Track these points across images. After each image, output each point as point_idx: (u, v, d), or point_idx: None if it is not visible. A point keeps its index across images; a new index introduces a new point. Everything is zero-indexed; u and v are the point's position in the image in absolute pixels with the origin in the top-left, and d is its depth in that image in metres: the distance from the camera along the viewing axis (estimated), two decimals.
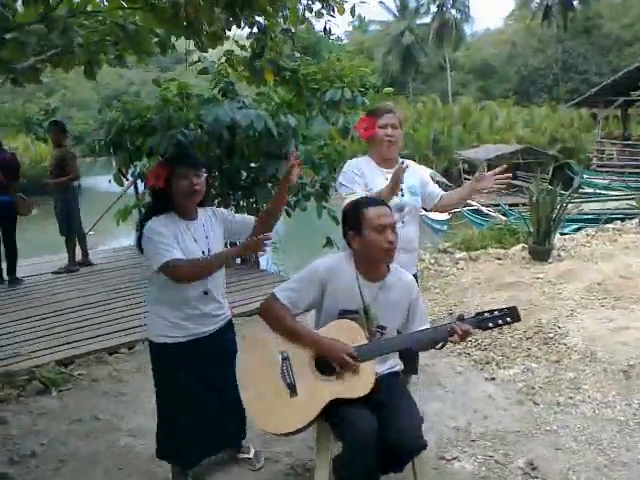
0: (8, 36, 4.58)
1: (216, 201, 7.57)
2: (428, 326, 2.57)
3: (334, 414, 2.33)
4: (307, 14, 4.98)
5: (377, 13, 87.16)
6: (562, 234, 8.60)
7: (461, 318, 2.44)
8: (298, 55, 8.50)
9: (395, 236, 2.42)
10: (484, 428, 3.29)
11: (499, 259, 6.45)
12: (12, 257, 6.55)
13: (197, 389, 2.63)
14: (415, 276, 3.25)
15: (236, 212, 7.49)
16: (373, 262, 2.46)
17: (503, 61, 45.26)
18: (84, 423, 3.58)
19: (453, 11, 45.34)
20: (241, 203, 7.40)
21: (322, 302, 2.49)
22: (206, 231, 2.63)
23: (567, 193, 7.68)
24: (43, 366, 4.29)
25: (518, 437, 3.20)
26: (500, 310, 2.49)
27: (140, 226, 2.60)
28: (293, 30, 5.59)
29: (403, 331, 2.60)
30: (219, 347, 2.65)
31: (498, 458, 2.99)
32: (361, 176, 3.10)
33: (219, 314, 2.70)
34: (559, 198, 6.71)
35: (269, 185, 7.01)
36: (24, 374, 4.15)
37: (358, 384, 2.34)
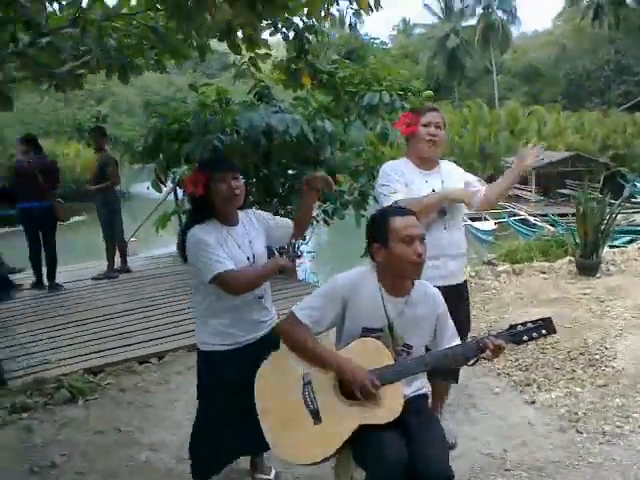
0: (44, 40, 4.62)
1: (253, 208, 7.51)
2: (458, 342, 2.40)
3: (357, 439, 2.17)
4: (332, 10, 4.77)
5: (422, 16, 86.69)
6: (612, 247, 8.23)
7: (493, 335, 2.26)
8: (336, 57, 8.40)
9: (424, 248, 2.27)
10: (521, 457, 3.07)
11: (544, 273, 6.16)
12: (52, 262, 6.62)
13: (237, 396, 2.49)
14: (465, 283, 3.14)
15: None
16: (399, 276, 2.30)
17: (551, 64, 44.09)
18: (106, 435, 3.52)
19: (499, 12, 44.59)
20: (279, 211, 7.30)
21: (344, 320, 2.34)
22: (249, 236, 2.57)
23: (617, 202, 7.32)
24: (72, 374, 4.27)
25: (558, 468, 2.98)
26: (534, 322, 2.30)
27: (182, 234, 2.55)
28: (316, 22, 5.48)
29: (432, 349, 2.44)
30: (263, 353, 2.50)
31: None
32: (401, 176, 2.97)
33: (266, 320, 2.63)
34: (608, 208, 6.37)
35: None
36: (53, 382, 4.14)
37: (385, 409, 2.17)
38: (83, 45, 5.05)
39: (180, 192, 7.99)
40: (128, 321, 5.35)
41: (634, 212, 13.71)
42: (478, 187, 3.09)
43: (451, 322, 2.45)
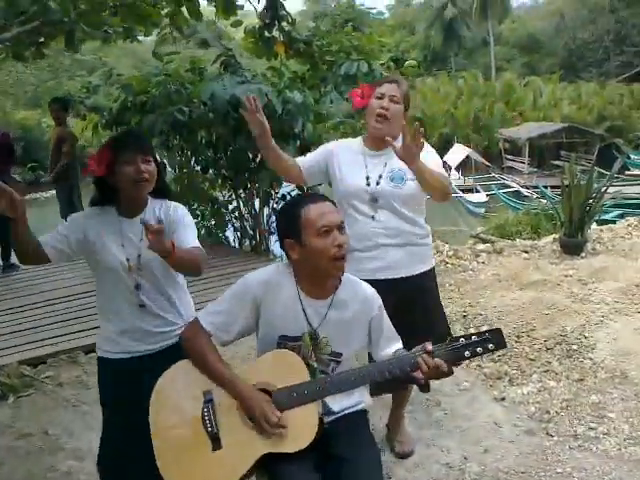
0: None
1: (227, 184, 7.14)
2: (398, 348, 2.04)
3: (269, 467, 1.85)
4: None
5: None
6: (602, 221, 7.88)
7: (428, 351, 1.86)
8: (312, 25, 7.94)
9: (346, 238, 1.91)
10: (482, 467, 2.75)
11: (526, 252, 5.80)
12: (6, 242, 6.24)
13: (129, 418, 2.13)
14: (425, 274, 2.70)
15: (244, 196, 7.09)
16: (319, 275, 1.94)
17: (550, 34, 43.15)
18: (31, 439, 3.20)
19: None
20: (248, 185, 6.92)
21: (258, 326, 1.99)
22: (143, 232, 2.05)
23: (608, 176, 6.93)
24: (8, 367, 3.94)
25: None
26: (480, 334, 1.90)
27: None
28: None
29: (372, 355, 2.10)
30: (163, 371, 2.09)
31: None
32: (327, 156, 2.65)
33: (164, 331, 2.18)
34: (595, 184, 5.98)
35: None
36: None
37: (296, 435, 1.82)
38: (18, 7, 4.65)
39: None
40: (79, 305, 4.98)
41: (627, 185, 13.32)
42: None
43: (388, 324, 2.08)
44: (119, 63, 42.32)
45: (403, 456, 2.86)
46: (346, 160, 2.63)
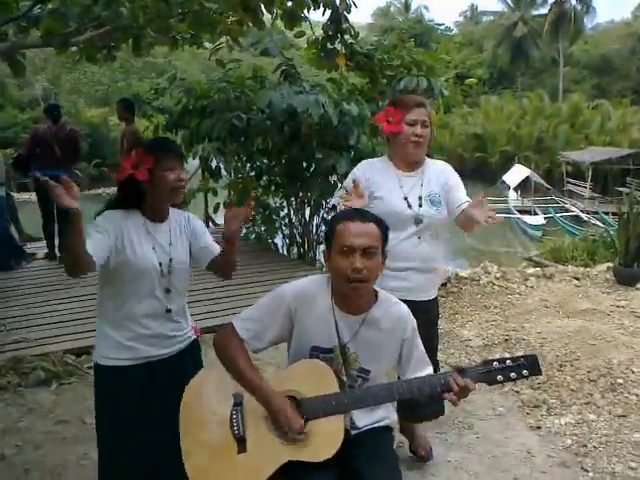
0: (49, 7, 4.40)
1: (280, 191, 7.22)
2: (428, 372, 2.02)
3: (294, 476, 1.85)
4: None
5: (491, 3, 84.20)
6: None
7: (460, 370, 1.87)
8: (375, 38, 7.97)
9: (369, 264, 1.86)
10: None
11: (577, 279, 5.62)
12: (63, 233, 6.50)
13: (141, 423, 2.14)
14: (435, 300, 2.75)
15: (296, 204, 7.16)
16: (342, 291, 1.94)
17: (624, 57, 41.84)
18: (68, 426, 3.31)
19: (573, 1, 42.54)
20: (300, 194, 6.98)
21: (292, 335, 2.00)
22: (172, 237, 2.17)
23: None
24: (54, 354, 4.08)
25: None
26: (514, 359, 1.88)
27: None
28: None
29: (400, 375, 2.08)
30: (175, 374, 2.15)
31: None
32: (366, 180, 2.63)
33: (176, 335, 2.21)
34: None
35: (327, 178, 6.54)
36: (30, 362, 3.96)
37: (321, 445, 1.83)
38: (92, 13, 4.83)
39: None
40: None
41: None
42: (461, 201, 2.57)
43: (420, 347, 2.05)
44: (189, 67, 43.59)
45: (422, 459, 2.90)
46: (381, 181, 2.64)
